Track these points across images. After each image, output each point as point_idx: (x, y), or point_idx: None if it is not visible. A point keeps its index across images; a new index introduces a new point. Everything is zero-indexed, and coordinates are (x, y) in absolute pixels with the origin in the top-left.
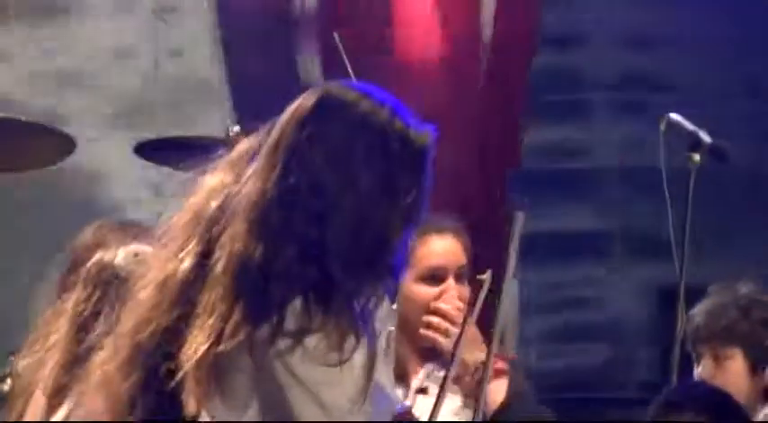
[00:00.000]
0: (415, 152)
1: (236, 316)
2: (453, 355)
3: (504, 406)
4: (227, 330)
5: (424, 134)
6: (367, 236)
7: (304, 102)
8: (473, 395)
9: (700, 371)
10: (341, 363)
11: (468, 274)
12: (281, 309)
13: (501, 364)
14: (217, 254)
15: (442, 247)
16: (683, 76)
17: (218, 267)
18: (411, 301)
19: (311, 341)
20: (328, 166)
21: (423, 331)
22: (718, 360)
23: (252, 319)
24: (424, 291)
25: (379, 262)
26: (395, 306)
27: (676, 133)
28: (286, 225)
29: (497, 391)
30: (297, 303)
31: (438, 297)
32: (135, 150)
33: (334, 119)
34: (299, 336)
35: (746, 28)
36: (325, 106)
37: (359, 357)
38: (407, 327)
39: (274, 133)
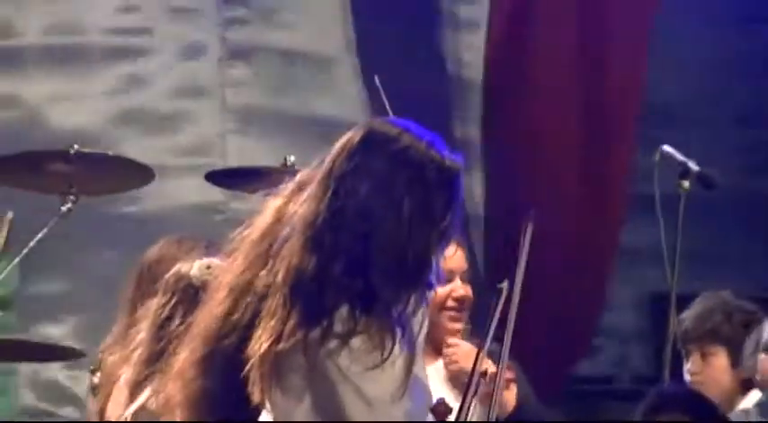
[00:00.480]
0: (449, 179)
1: (292, 319)
2: (475, 361)
3: (516, 410)
4: (286, 332)
5: (456, 162)
6: (407, 254)
7: (352, 136)
8: (486, 402)
9: (689, 366)
10: (382, 361)
11: (468, 278)
12: (330, 314)
13: (510, 374)
14: (277, 266)
15: (450, 254)
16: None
17: (279, 278)
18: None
19: (356, 342)
20: (373, 192)
21: (444, 322)
22: (705, 357)
23: (306, 322)
24: (440, 290)
25: (417, 276)
26: None
27: (668, 163)
28: (335, 243)
29: (509, 399)
30: (344, 310)
31: (449, 295)
32: (206, 177)
33: (377, 151)
34: (345, 337)
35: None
36: (370, 140)
37: (398, 356)
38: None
39: (326, 164)
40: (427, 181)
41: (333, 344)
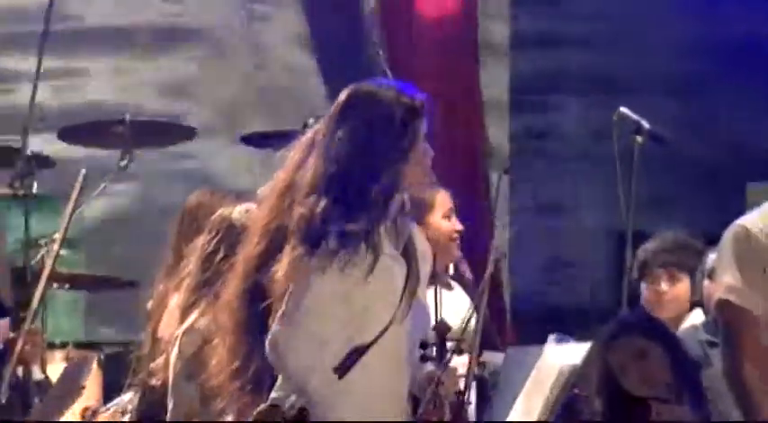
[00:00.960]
0: (417, 114)
1: (297, 251)
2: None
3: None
4: (295, 262)
5: (421, 101)
6: (384, 179)
7: (341, 97)
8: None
9: (661, 286)
10: (365, 276)
11: None
12: (323, 243)
13: None
14: (293, 213)
15: (444, 198)
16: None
17: (294, 220)
18: (440, 230)
19: (340, 260)
20: (352, 136)
21: (453, 249)
22: (672, 280)
23: (308, 253)
24: (447, 224)
25: (387, 199)
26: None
27: (625, 123)
28: (327, 188)
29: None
30: (332, 241)
31: (454, 229)
32: (241, 139)
33: (358, 105)
34: (332, 257)
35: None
36: (353, 97)
37: (399, 274)
38: (437, 247)
39: (324, 120)
40: (396, 119)
41: (323, 261)
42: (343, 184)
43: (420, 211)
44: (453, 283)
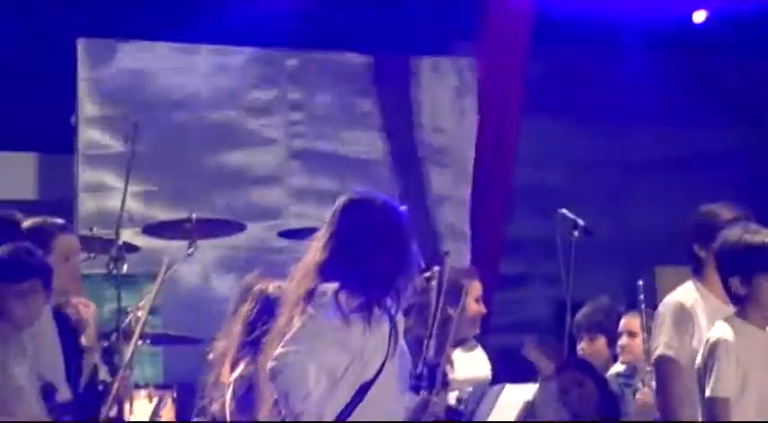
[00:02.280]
0: (400, 224)
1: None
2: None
3: None
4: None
5: (403, 213)
6: (382, 272)
7: (341, 202)
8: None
9: (581, 345)
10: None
11: None
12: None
13: None
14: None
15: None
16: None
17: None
18: (472, 309)
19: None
20: (358, 233)
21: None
22: (592, 341)
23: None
24: (476, 306)
25: (388, 282)
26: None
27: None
28: (334, 271)
29: None
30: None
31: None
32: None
33: (358, 209)
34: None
35: None
36: (354, 202)
37: (384, 327)
38: (467, 320)
39: (329, 220)
40: (393, 225)
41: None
42: (356, 271)
43: (458, 293)
44: (475, 344)
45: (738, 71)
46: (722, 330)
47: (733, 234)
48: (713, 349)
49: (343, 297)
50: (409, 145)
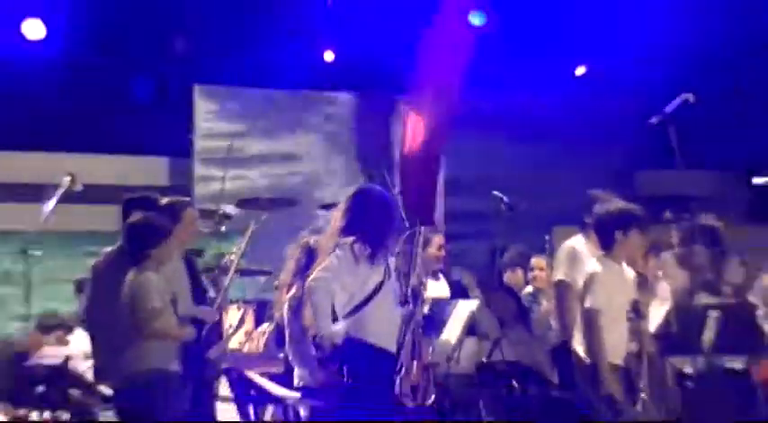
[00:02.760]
0: (389, 205)
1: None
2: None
3: None
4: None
5: (391, 198)
6: (378, 233)
7: (351, 190)
8: None
9: (506, 276)
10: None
11: None
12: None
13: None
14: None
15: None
16: None
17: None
18: (433, 254)
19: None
20: (361, 211)
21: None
22: (513, 273)
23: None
24: (437, 252)
25: (384, 240)
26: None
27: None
28: (352, 229)
29: None
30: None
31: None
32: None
33: (366, 197)
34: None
35: None
36: (359, 193)
37: (381, 264)
38: (431, 260)
39: (344, 200)
40: (382, 207)
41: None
42: (363, 231)
43: (427, 243)
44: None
45: None
46: (596, 265)
47: (605, 208)
48: (590, 277)
49: (356, 247)
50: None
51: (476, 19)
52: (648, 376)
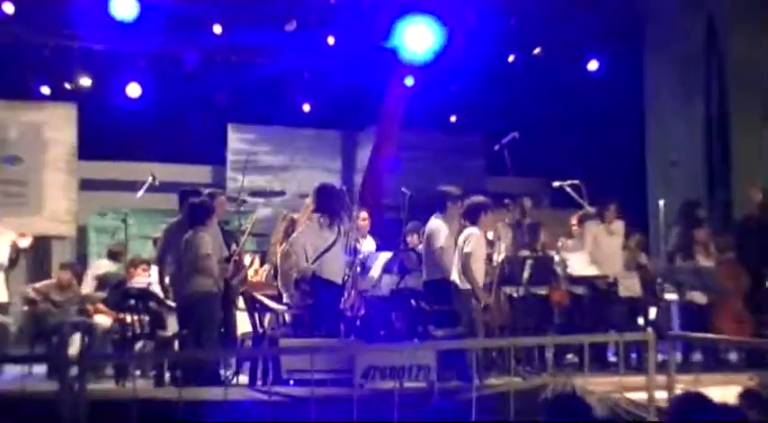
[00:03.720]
0: (340, 194)
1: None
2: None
3: None
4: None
5: (342, 189)
6: (334, 209)
7: (316, 185)
8: None
9: (409, 240)
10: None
11: None
12: None
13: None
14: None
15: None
16: None
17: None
18: (360, 224)
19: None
20: (323, 197)
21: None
22: (410, 236)
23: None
24: (365, 223)
25: (338, 213)
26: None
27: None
28: (318, 208)
29: None
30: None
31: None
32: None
33: (321, 189)
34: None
35: None
36: (322, 187)
37: (336, 230)
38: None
39: (312, 191)
40: (338, 195)
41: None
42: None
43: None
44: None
45: None
46: (471, 230)
47: (474, 200)
48: (467, 236)
49: (321, 219)
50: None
51: (409, 80)
52: (494, 301)
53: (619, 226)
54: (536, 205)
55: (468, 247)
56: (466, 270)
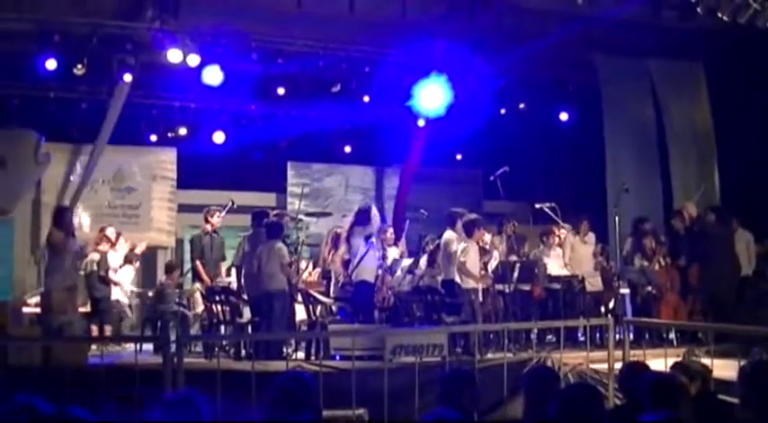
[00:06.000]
0: (375, 214)
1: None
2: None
3: None
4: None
5: (376, 211)
6: (369, 226)
7: (359, 206)
8: None
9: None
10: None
11: None
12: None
13: None
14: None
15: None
16: None
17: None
18: (386, 236)
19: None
20: (360, 215)
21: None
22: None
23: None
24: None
25: (371, 230)
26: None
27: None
28: (356, 224)
29: None
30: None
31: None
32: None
33: (360, 211)
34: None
35: None
36: (360, 210)
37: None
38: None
39: (355, 211)
40: (370, 212)
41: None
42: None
43: (385, 232)
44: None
45: None
46: (467, 242)
47: (469, 217)
48: (464, 248)
49: (358, 231)
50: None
51: (420, 122)
52: (491, 296)
53: (591, 237)
54: (521, 223)
55: (463, 256)
56: (463, 272)
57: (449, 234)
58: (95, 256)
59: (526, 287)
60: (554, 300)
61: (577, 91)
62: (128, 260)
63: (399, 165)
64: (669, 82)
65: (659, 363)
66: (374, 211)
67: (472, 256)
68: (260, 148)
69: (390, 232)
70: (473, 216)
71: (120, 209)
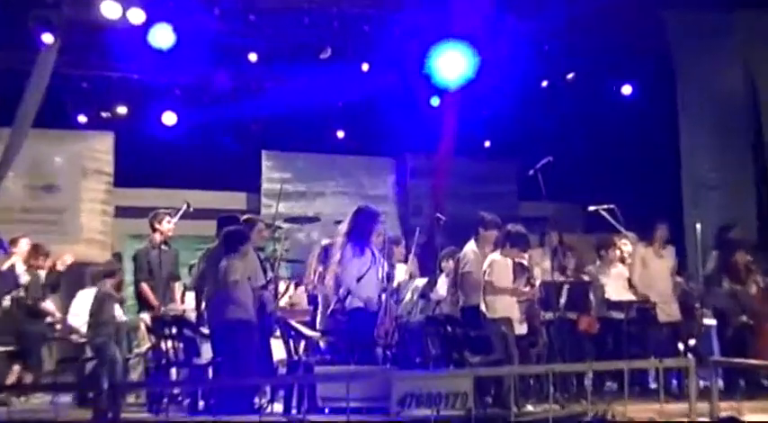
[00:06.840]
0: (375, 217)
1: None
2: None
3: None
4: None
5: (377, 212)
6: (369, 235)
7: (354, 209)
8: None
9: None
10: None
11: None
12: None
13: None
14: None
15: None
16: None
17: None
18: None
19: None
20: (359, 221)
21: None
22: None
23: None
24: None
25: (370, 239)
26: None
27: None
28: (353, 233)
29: None
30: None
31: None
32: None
33: (360, 213)
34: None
35: None
36: (359, 211)
37: (370, 256)
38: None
39: (350, 215)
40: (371, 217)
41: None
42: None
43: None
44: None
45: None
46: (495, 256)
47: (509, 229)
48: (491, 262)
49: (355, 245)
50: None
51: (435, 100)
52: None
53: (670, 250)
54: (569, 230)
55: (489, 275)
56: (489, 294)
57: (468, 246)
58: (24, 279)
59: (572, 315)
60: (615, 333)
61: (643, 58)
62: (48, 282)
63: (407, 154)
64: (762, 41)
65: (759, 419)
66: (377, 213)
67: (503, 273)
68: (225, 132)
69: (401, 247)
70: (520, 229)
71: (38, 213)
